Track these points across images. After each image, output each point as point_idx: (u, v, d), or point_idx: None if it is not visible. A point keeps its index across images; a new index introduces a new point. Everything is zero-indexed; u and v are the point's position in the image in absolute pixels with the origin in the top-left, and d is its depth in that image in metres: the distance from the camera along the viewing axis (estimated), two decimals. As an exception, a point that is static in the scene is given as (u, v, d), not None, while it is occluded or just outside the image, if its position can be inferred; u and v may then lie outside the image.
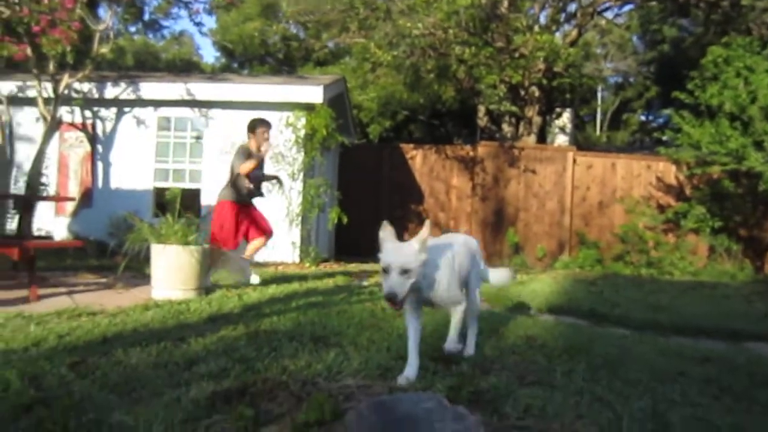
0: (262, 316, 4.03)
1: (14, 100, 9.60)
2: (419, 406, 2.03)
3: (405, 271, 2.34)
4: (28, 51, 8.60)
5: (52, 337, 3.22)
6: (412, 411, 2.01)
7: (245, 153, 6.02)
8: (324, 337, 3.38)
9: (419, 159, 13.06)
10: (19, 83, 9.67)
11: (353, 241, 11.47)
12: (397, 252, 2.38)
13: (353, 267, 8.88)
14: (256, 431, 1.94)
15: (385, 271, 2.36)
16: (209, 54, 55.71)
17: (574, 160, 12.50)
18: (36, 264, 5.00)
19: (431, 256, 2.47)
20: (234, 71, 25.79)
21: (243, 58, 27.35)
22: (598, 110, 28.97)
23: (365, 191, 12.51)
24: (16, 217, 9.00)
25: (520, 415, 2.10)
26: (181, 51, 32.35)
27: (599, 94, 28.22)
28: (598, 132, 29.15)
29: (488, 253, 11.55)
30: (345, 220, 8.92)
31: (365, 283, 6.60)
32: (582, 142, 23.37)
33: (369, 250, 11.56)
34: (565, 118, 16.38)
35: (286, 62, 25.84)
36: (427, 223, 2.44)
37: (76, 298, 4.88)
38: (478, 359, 2.99)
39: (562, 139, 16.25)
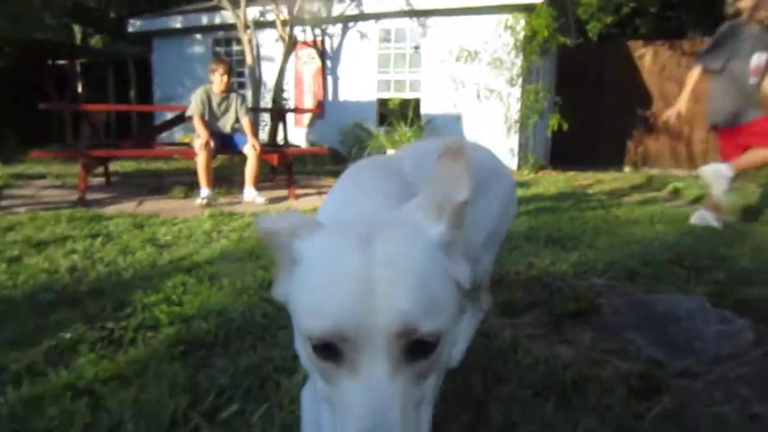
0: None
1: (258, 24, 10.86)
2: (680, 306, 2.07)
3: None
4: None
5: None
6: (673, 310, 2.06)
7: None
8: (560, 239, 3.48)
9: (649, 57, 11.66)
10: (261, 8, 10.86)
11: (571, 148, 11.03)
12: None
13: (573, 174, 8.61)
14: (516, 317, 2.18)
15: None
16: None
17: None
18: (292, 168, 5.88)
19: None
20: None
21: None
22: None
23: (584, 95, 11.73)
24: (266, 129, 10.47)
25: (796, 327, 1.99)
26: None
27: None
28: None
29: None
30: (565, 126, 8.59)
31: (591, 191, 6.41)
32: None
33: (587, 158, 11.03)
34: None
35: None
36: None
37: (325, 198, 5.67)
38: (735, 270, 2.82)
39: None
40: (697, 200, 6.09)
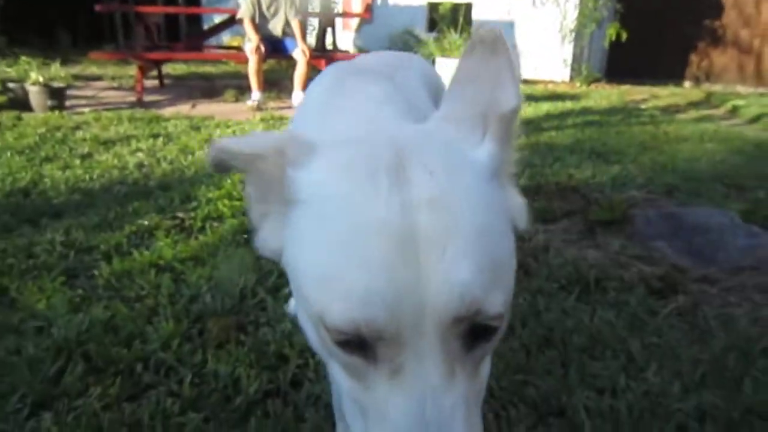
0: (540, 130, 4.27)
1: None
2: (711, 220, 2.16)
3: None
4: None
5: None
6: (703, 223, 2.14)
7: None
8: (604, 153, 3.50)
9: (725, -40, 10.67)
10: None
11: (629, 60, 10.50)
12: None
13: (628, 88, 8.30)
14: (551, 223, 2.30)
15: None
16: None
17: None
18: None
19: None
20: None
21: None
22: None
23: (648, 2, 10.96)
24: (314, 34, 10.33)
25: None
26: None
27: None
28: None
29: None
30: (624, 36, 8.16)
31: (643, 107, 6.23)
32: None
33: (645, 71, 10.50)
34: None
35: None
36: None
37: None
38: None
39: None
40: (756, 120, 5.86)
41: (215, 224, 2.18)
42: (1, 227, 2.09)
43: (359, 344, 0.46)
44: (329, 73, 0.94)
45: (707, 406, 1.19)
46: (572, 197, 2.55)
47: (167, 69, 7.20)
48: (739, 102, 6.78)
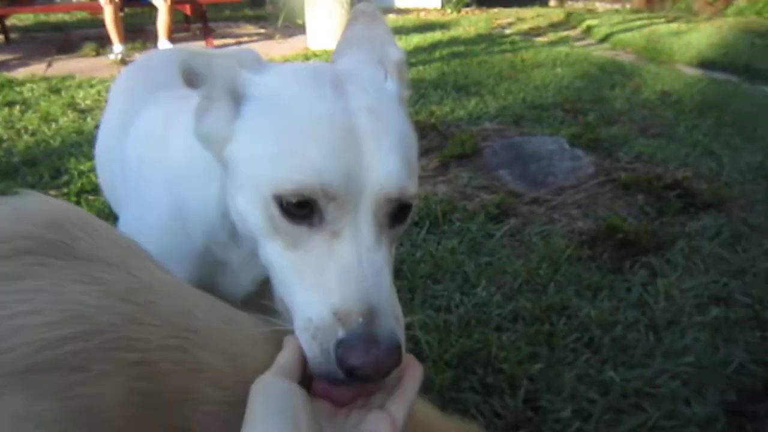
0: (409, 65, 4.44)
1: None
2: (544, 147, 2.51)
3: None
4: None
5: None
6: (538, 150, 2.49)
7: None
8: (465, 86, 3.79)
9: None
10: None
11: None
12: None
13: (496, 12, 8.65)
14: (414, 160, 2.55)
15: None
16: None
17: None
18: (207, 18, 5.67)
19: None
20: None
21: None
22: None
23: None
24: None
25: (630, 160, 2.49)
26: None
27: None
28: None
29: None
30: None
31: (507, 32, 6.60)
32: None
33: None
34: None
35: None
36: None
37: (245, 48, 5.62)
38: (606, 111, 3.27)
39: None
40: (605, 39, 6.43)
41: (91, 198, 2.21)
42: None
43: (305, 216, 0.58)
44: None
45: (520, 309, 1.52)
46: (431, 134, 2.81)
47: (12, 20, 6.50)
48: (593, 22, 7.36)
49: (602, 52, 5.60)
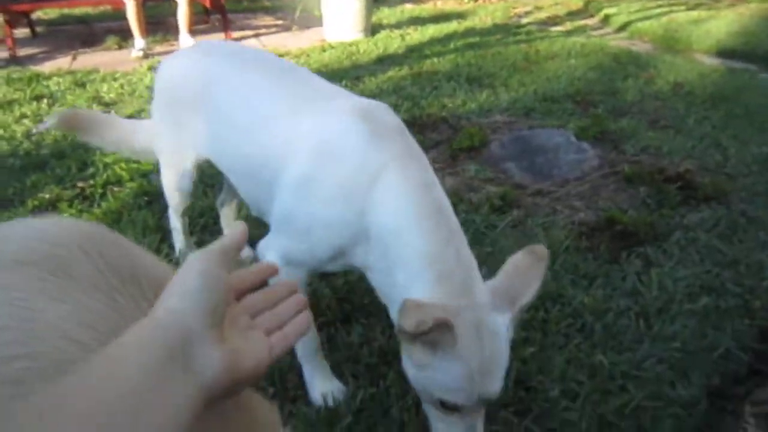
0: (423, 57, 4.53)
1: None
2: (551, 140, 2.57)
3: None
4: None
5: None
6: (544, 143, 2.55)
7: None
8: (478, 78, 3.84)
9: None
10: None
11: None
12: None
13: (513, 1, 8.61)
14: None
15: None
16: None
17: None
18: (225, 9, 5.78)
19: None
20: None
21: None
22: None
23: None
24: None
25: (636, 153, 2.53)
26: None
27: None
28: None
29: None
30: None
31: (524, 21, 6.59)
32: None
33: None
34: None
35: None
36: None
37: (263, 41, 5.71)
38: (618, 104, 3.30)
39: None
40: (623, 28, 6.39)
41: (116, 189, 2.34)
42: None
43: (453, 410, 0.98)
44: None
45: (517, 295, 1.60)
46: (442, 127, 2.88)
47: (38, 13, 6.69)
48: (611, 10, 7.29)
49: (619, 41, 5.58)
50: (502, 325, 0.98)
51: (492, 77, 3.88)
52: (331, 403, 1.29)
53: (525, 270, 1.03)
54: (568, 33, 5.89)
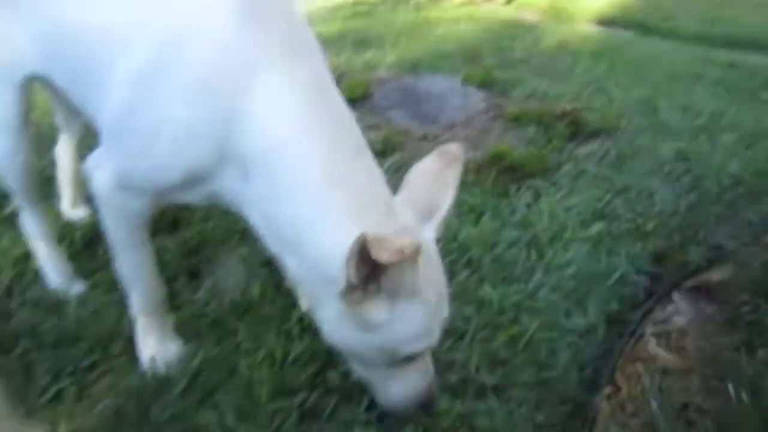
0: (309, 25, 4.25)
1: None
2: (437, 86, 2.42)
3: None
4: None
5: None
6: (430, 90, 2.40)
7: None
8: (366, 40, 3.63)
9: None
10: None
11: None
12: None
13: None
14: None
15: None
16: None
17: None
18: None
19: None
20: None
21: None
22: None
23: None
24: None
25: (524, 98, 2.43)
26: None
27: None
28: None
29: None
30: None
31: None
32: None
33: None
34: None
35: None
36: None
37: None
38: (506, 59, 3.21)
39: None
40: (509, 2, 6.47)
41: None
42: None
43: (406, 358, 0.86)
44: None
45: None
46: (323, 82, 2.63)
47: None
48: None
49: (508, 12, 5.61)
50: (433, 244, 0.85)
51: (380, 39, 3.68)
52: (161, 366, 1.01)
53: (436, 176, 0.90)
54: (459, 5, 5.86)
